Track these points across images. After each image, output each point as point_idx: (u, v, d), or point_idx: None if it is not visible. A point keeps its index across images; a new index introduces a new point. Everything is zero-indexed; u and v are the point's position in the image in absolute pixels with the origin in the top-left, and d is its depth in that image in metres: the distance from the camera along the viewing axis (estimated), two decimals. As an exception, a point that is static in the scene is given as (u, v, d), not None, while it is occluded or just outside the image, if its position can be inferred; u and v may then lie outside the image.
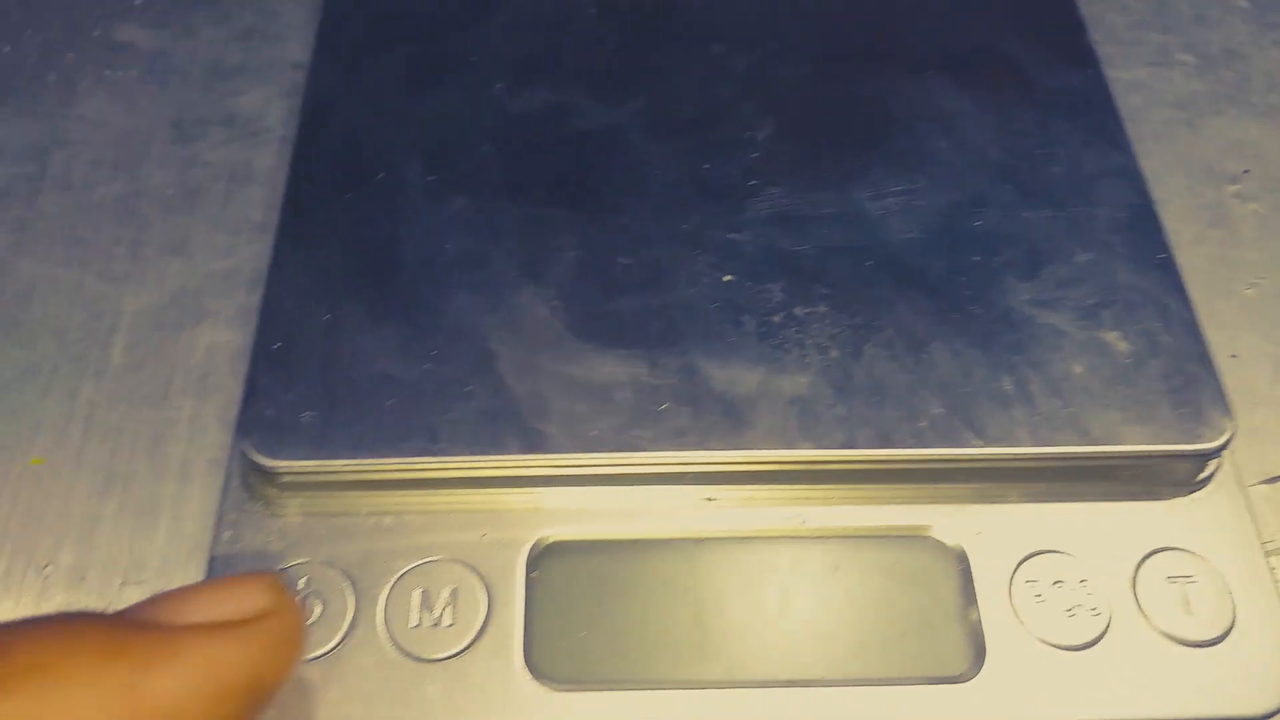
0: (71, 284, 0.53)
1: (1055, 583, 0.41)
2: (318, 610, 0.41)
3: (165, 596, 0.33)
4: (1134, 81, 0.61)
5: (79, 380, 0.50)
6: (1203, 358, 0.44)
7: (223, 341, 0.51)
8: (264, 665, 0.32)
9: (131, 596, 0.44)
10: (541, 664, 0.40)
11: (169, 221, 0.55)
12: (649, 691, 0.40)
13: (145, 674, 0.29)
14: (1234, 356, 0.51)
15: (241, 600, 0.33)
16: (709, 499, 0.43)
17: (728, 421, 0.42)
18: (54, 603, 0.44)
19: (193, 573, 0.44)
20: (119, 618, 0.31)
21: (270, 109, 0.59)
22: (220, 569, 0.41)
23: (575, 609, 0.41)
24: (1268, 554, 0.45)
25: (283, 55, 0.61)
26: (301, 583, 0.41)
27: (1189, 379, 0.43)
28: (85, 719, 0.27)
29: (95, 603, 0.44)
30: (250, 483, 0.43)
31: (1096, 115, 0.51)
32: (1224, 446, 0.42)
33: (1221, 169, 0.58)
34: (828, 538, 0.42)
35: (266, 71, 0.61)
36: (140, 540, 0.46)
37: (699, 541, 0.42)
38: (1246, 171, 0.57)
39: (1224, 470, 0.44)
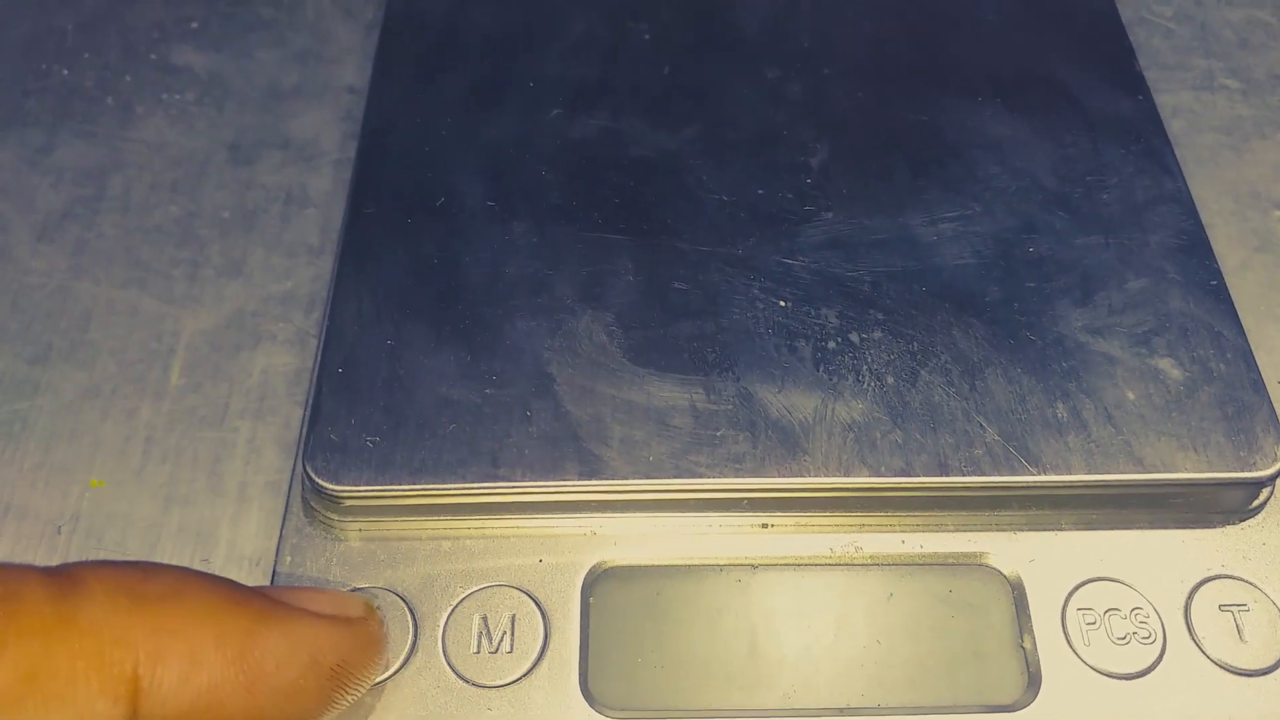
0: (129, 306, 0.53)
1: (1109, 610, 0.41)
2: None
3: (278, 588, 0.38)
4: (1178, 106, 0.61)
5: (138, 401, 0.50)
6: (1256, 385, 0.44)
7: (280, 364, 0.51)
8: (353, 656, 0.36)
9: (194, 617, 0.44)
10: (598, 691, 0.40)
11: (226, 244, 0.56)
12: (705, 719, 0.40)
13: (261, 625, 0.34)
14: (1283, 383, 0.51)
15: (341, 604, 0.37)
16: (765, 525, 0.43)
17: (783, 448, 0.43)
18: (120, 624, 0.44)
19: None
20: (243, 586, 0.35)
21: (325, 132, 0.60)
22: (283, 592, 0.42)
23: (632, 635, 0.41)
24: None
25: (338, 78, 0.62)
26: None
27: (1241, 406, 0.44)
28: (205, 648, 0.32)
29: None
30: (311, 506, 0.43)
31: (1146, 140, 0.52)
32: (1278, 474, 0.42)
33: (1267, 193, 0.58)
34: (882, 565, 0.43)
35: (321, 94, 0.61)
36: (199, 563, 0.46)
37: (754, 568, 0.43)
38: (1293, 196, 0.57)
39: (1277, 497, 0.44)
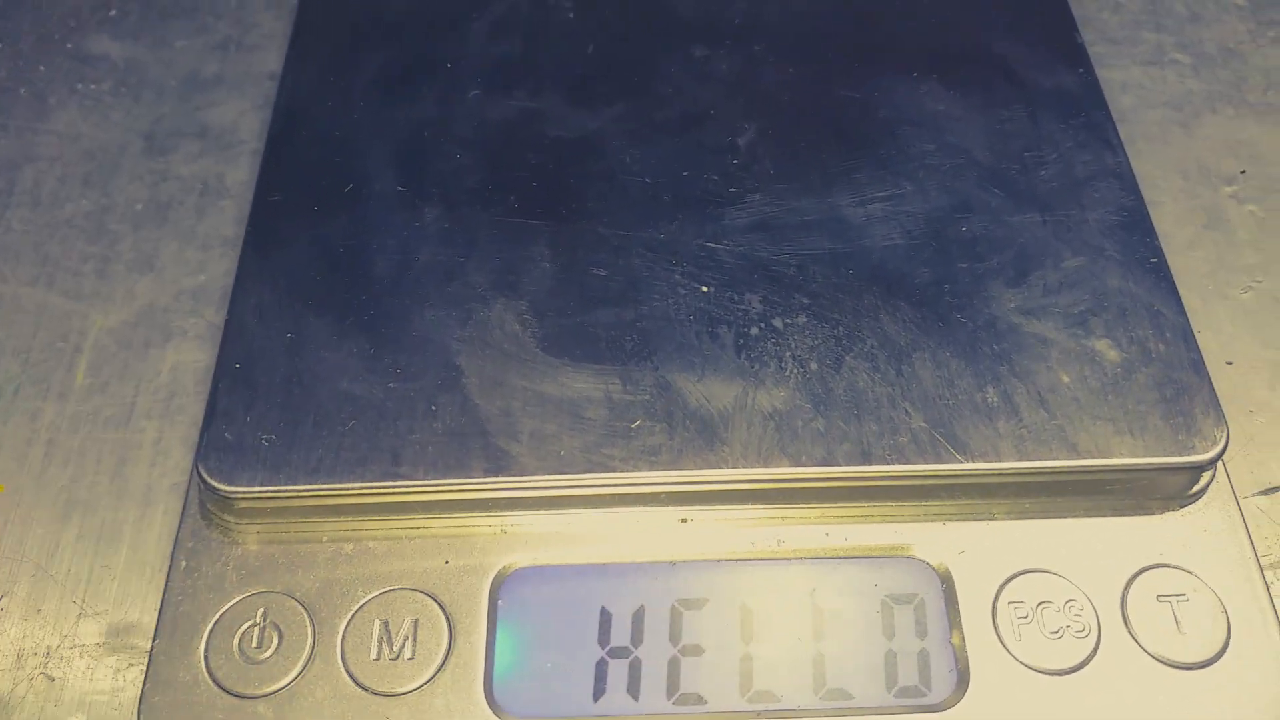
0: (36, 303, 0.51)
1: (1041, 603, 0.39)
2: (274, 642, 0.39)
3: None
4: (1127, 81, 0.59)
5: (41, 402, 0.49)
6: (1196, 366, 0.42)
7: (189, 361, 0.50)
8: None
9: (88, 628, 0.43)
10: (504, 698, 0.38)
11: (138, 237, 0.54)
12: (617, 722, 0.38)
13: None
14: (1229, 363, 0.49)
15: None
16: (683, 520, 0.41)
17: (702, 439, 0.41)
18: (7, 636, 0.42)
19: (152, 602, 0.43)
20: None
21: (245, 121, 0.58)
22: (175, 600, 0.40)
23: (541, 639, 0.39)
24: (1268, 565, 0.43)
25: (260, 66, 0.60)
26: (258, 614, 0.39)
27: (1181, 388, 0.42)
28: None
29: (50, 636, 0.42)
30: (208, 509, 0.41)
31: (1087, 116, 0.50)
32: (1218, 458, 0.40)
33: (1218, 170, 0.56)
34: (806, 559, 0.41)
35: (242, 83, 0.60)
36: (99, 569, 0.44)
37: (672, 565, 0.40)
38: (1243, 172, 0.55)
39: (1218, 483, 0.42)
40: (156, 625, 0.40)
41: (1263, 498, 0.45)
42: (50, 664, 0.42)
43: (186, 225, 0.54)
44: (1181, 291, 0.48)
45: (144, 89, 0.59)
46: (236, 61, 0.60)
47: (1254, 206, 0.54)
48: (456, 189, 0.48)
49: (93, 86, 0.59)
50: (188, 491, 0.43)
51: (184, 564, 0.41)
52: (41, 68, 0.60)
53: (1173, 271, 0.49)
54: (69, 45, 0.61)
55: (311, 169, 0.48)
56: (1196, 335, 0.46)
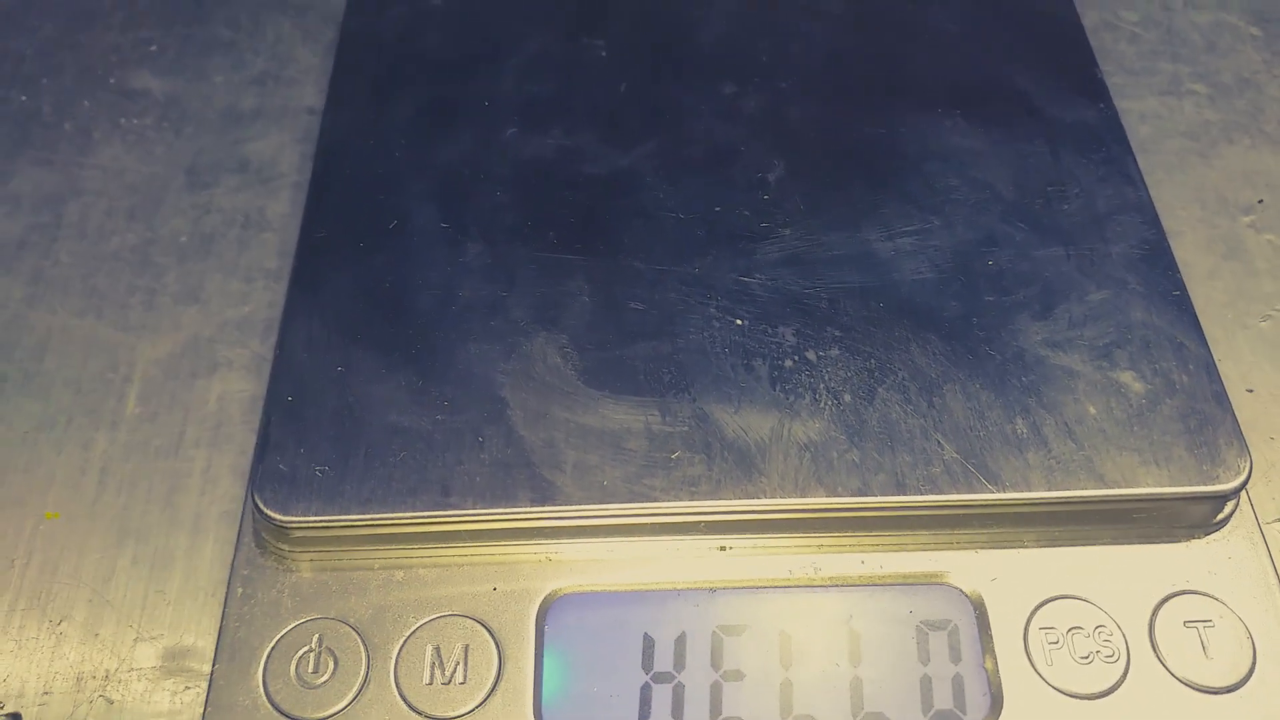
0: (86, 334, 0.53)
1: (1072, 629, 0.41)
2: (330, 667, 0.40)
3: None
4: (1145, 112, 0.60)
5: (93, 432, 0.50)
6: (1219, 397, 0.43)
7: (236, 390, 0.51)
8: None
9: (144, 652, 0.44)
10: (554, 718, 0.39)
11: (183, 269, 0.55)
12: (663, 745, 0.39)
13: None
14: (1250, 391, 0.50)
15: None
16: (722, 548, 0.43)
17: (740, 470, 0.42)
18: (67, 660, 0.43)
19: (206, 627, 0.44)
20: None
21: (284, 154, 0.59)
22: (233, 625, 0.41)
23: (588, 662, 0.41)
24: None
25: (297, 100, 0.61)
26: (314, 639, 0.41)
27: (1205, 419, 0.43)
28: None
29: (108, 660, 0.44)
30: (262, 537, 0.43)
31: (1108, 150, 0.51)
32: (1241, 487, 0.42)
33: (1235, 199, 0.57)
34: (842, 586, 0.42)
35: (280, 117, 0.61)
36: (153, 595, 0.46)
37: (712, 591, 0.42)
38: (1261, 201, 0.57)
39: (1242, 510, 0.43)
40: (215, 650, 0.41)
41: (1285, 524, 0.47)
42: (109, 687, 0.43)
43: (229, 257, 0.55)
44: (1202, 320, 0.50)
45: (185, 123, 0.61)
46: (275, 95, 0.62)
47: (1272, 235, 0.55)
48: (496, 225, 0.49)
49: (135, 121, 0.61)
50: (241, 520, 0.44)
51: (240, 590, 0.42)
52: (85, 103, 0.62)
53: (1194, 300, 0.51)
54: (111, 80, 0.62)
55: (354, 204, 0.50)
56: (1217, 364, 0.48)
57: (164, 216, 0.57)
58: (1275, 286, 0.54)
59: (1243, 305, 0.53)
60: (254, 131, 0.60)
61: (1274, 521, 0.47)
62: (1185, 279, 0.52)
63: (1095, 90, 0.53)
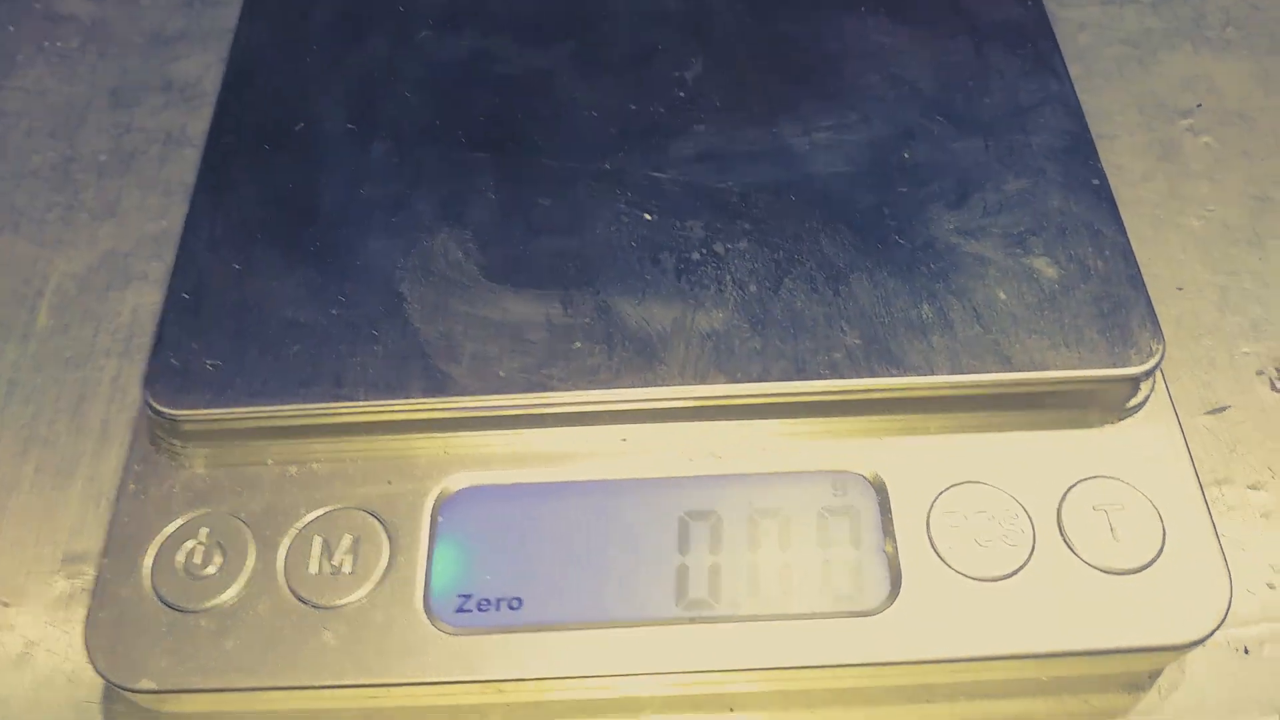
0: (2, 250, 0.52)
1: (976, 513, 0.40)
2: (218, 560, 0.39)
3: None
4: (1085, 20, 0.59)
5: (3, 344, 0.49)
6: (1133, 280, 0.42)
7: (150, 303, 0.50)
8: None
9: (45, 556, 0.43)
10: (442, 610, 0.39)
11: (102, 186, 0.54)
12: (553, 633, 0.38)
13: None
14: (1180, 289, 0.49)
15: None
16: (623, 439, 0.42)
17: (641, 359, 0.41)
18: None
19: (104, 531, 0.43)
20: None
21: (209, 74, 0.59)
22: (122, 521, 0.40)
23: (481, 554, 0.40)
24: (1213, 484, 0.43)
25: (225, 22, 0.61)
26: (202, 533, 0.40)
27: (1118, 302, 0.42)
28: None
29: (6, 565, 0.43)
30: (156, 435, 0.42)
31: (1032, 44, 0.50)
32: (1153, 369, 0.41)
33: (1175, 104, 0.56)
34: (743, 474, 0.41)
35: (207, 38, 0.60)
36: (57, 501, 0.45)
37: (611, 483, 0.41)
38: (1200, 105, 0.56)
39: (1157, 396, 0.42)
40: (104, 545, 0.40)
41: (1210, 417, 0.46)
42: (5, 591, 0.42)
43: (149, 174, 0.55)
44: (1134, 221, 0.49)
45: (110, 45, 0.60)
46: (202, 18, 0.61)
47: (1209, 138, 0.54)
48: (404, 126, 0.48)
49: (60, 44, 0.60)
50: (138, 418, 0.43)
51: (132, 487, 0.41)
52: (10, 27, 0.61)
53: (1126, 201, 0.50)
54: (37, 4, 0.62)
55: (262, 108, 0.49)
56: (1149, 263, 0.47)
57: (85, 136, 0.56)
58: (1210, 188, 0.53)
59: (1176, 206, 0.52)
60: (180, 52, 0.60)
61: (1199, 415, 0.46)
62: (1120, 182, 0.51)
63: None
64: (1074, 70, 0.50)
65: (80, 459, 0.46)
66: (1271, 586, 0.42)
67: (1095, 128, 0.49)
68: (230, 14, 0.59)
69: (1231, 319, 0.48)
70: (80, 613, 0.42)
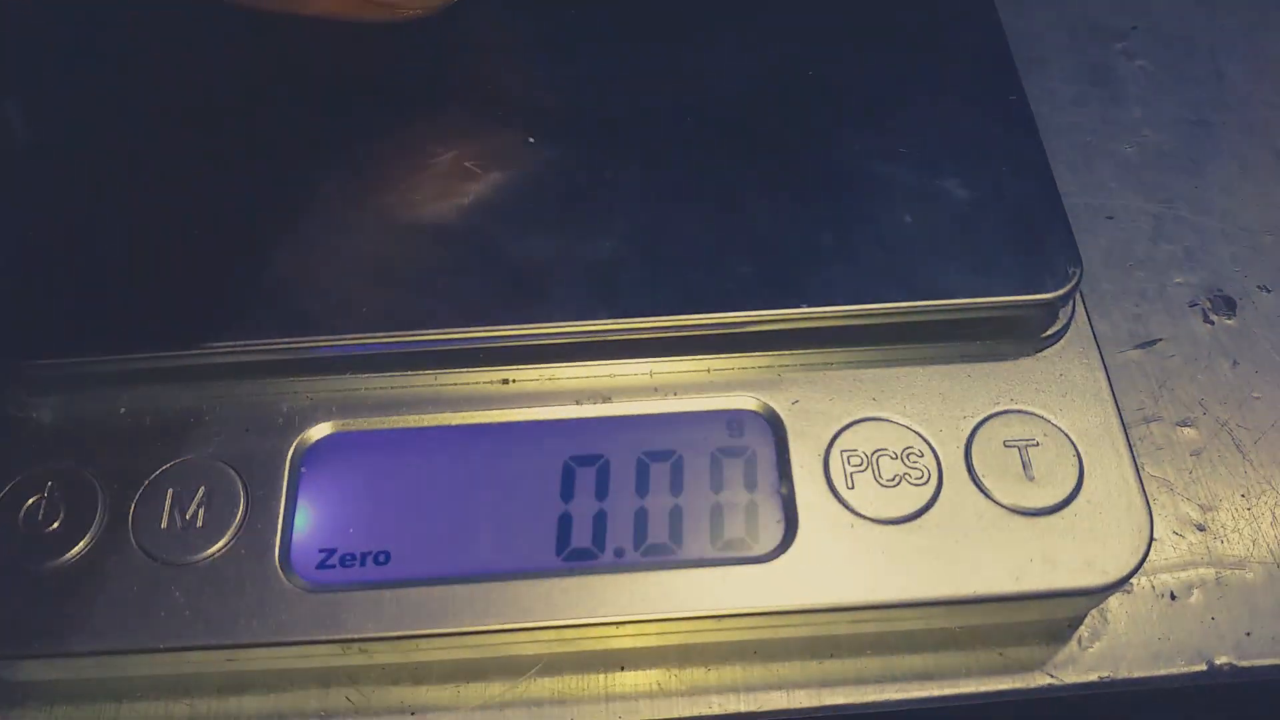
0: None
1: (878, 451, 0.37)
2: (60, 515, 0.36)
3: None
4: (1016, -61, 0.56)
5: None
6: (1050, 201, 0.39)
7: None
8: None
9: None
10: (301, 565, 0.35)
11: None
12: (422, 589, 0.35)
13: None
14: (1110, 218, 0.46)
15: None
16: (505, 381, 0.38)
17: (522, 293, 0.38)
18: None
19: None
20: None
21: None
22: (-38, 475, 0.37)
23: (346, 507, 0.37)
24: (1140, 421, 0.40)
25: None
26: (47, 487, 0.36)
27: (1033, 224, 0.39)
28: None
29: None
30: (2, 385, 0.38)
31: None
32: (1070, 295, 0.38)
33: (1108, 26, 0.53)
34: (633, 415, 0.38)
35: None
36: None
37: (489, 426, 0.38)
38: (1135, 28, 0.52)
39: (1078, 326, 0.39)
40: (-57, 504, 0.37)
41: (1139, 351, 0.43)
42: None
43: None
44: (1064, 147, 0.46)
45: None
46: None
47: (1144, 61, 0.51)
48: (253, 38, 0.45)
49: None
50: (-18, 369, 0.40)
51: (-25, 441, 0.38)
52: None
53: (1057, 128, 0.47)
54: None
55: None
56: (1078, 192, 0.44)
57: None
58: (1144, 113, 0.50)
59: (1108, 131, 0.49)
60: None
61: (1129, 349, 0.43)
62: (1048, 107, 0.48)
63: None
64: (1004, -9, 0.47)
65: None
66: (1201, 528, 0.39)
67: (1025, 51, 0.46)
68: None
69: (1164, 248, 0.45)
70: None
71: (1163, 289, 0.44)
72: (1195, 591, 0.38)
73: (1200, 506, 0.39)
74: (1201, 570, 0.38)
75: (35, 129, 0.43)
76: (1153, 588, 0.38)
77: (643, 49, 0.44)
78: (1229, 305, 0.44)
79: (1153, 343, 0.43)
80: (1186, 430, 0.41)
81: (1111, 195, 0.47)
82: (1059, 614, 0.37)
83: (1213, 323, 0.43)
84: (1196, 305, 0.44)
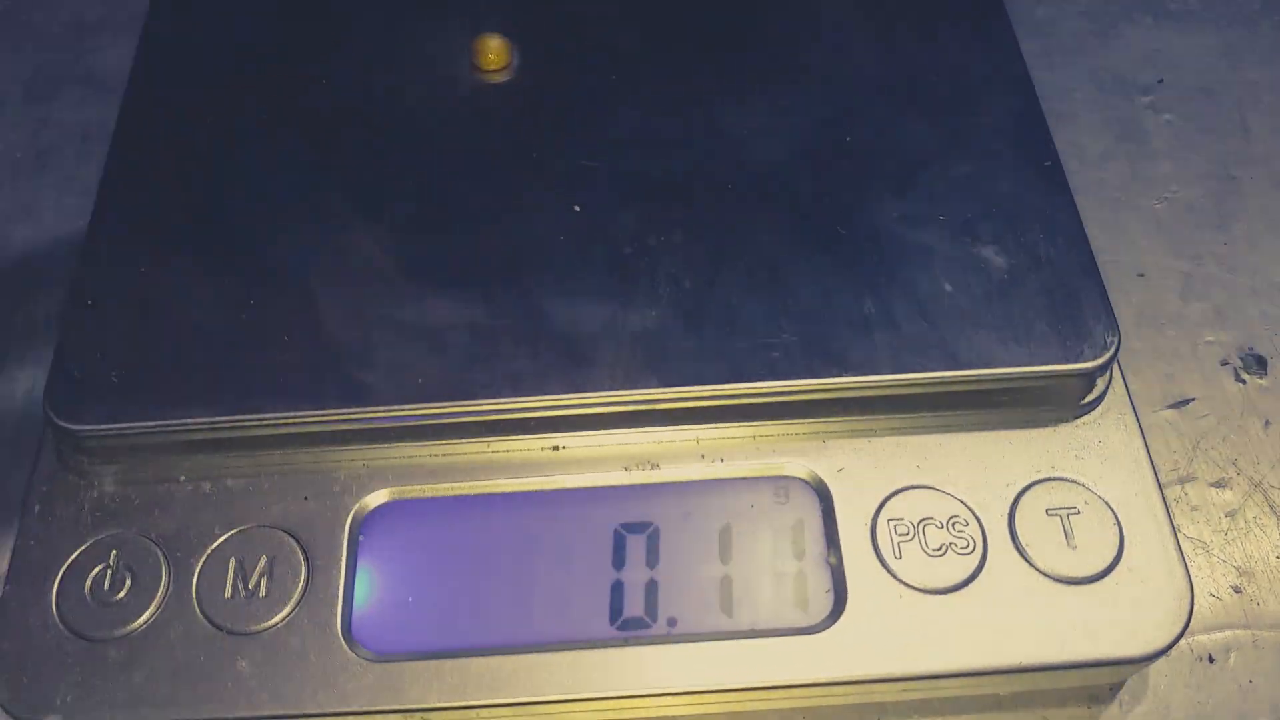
0: (-86, 257, 0.49)
1: (923, 520, 0.38)
2: (126, 584, 0.37)
3: None
4: (1042, -8, 0.57)
5: (-87, 356, 0.47)
6: (1087, 269, 0.40)
7: (66, 309, 0.47)
8: None
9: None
10: (362, 634, 0.36)
11: (17, 186, 0.51)
12: (480, 659, 0.36)
13: None
14: (1141, 276, 0.47)
15: None
16: (555, 448, 0.39)
17: (570, 362, 0.39)
18: None
19: (7, 549, 0.41)
20: None
21: (129, 65, 0.55)
22: (27, 544, 0.38)
23: (404, 574, 0.38)
24: (1175, 482, 0.41)
25: (145, 9, 0.57)
26: (111, 556, 0.37)
27: (1071, 293, 0.40)
28: None
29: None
30: (62, 451, 0.39)
31: (982, 20, 0.47)
32: (1108, 364, 0.39)
33: (1135, 80, 0.54)
34: (680, 482, 0.39)
35: (127, 27, 0.57)
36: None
37: (541, 494, 0.39)
38: (1161, 81, 0.53)
39: (1115, 392, 0.40)
40: (8, 571, 0.38)
41: (1172, 411, 0.44)
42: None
43: (66, 172, 0.52)
44: (1093, 204, 0.47)
45: (26, 36, 0.57)
46: (120, 6, 0.58)
47: (1170, 116, 0.52)
48: (316, 118, 0.46)
49: (-25, 35, 0.57)
50: (43, 434, 0.40)
51: (37, 508, 0.39)
52: (-78, 19, 0.58)
53: (1086, 184, 0.48)
54: (-50, -5, 0.59)
55: (172, 106, 0.47)
56: (1109, 249, 0.45)
57: None
58: (1171, 168, 0.51)
59: (1137, 188, 0.50)
60: (99, 42, 0.57)
61: (1161, 408, 0.44)
62: (1078, 162, 0.49)
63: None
64: (1031, 45, 0.48)
65: (-10, 473, 0.43)
66: (1237, 590, 0.40)
67: (1053, 106, 0.47)
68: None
69: (1195, 306, 0.46)
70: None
71: (1194, 347, 0.45)
72: (1233, 654, 0.39)
73: (1236, 569, 0.40)
74: (1238, 632, 0.39)
75: (103, 202, 0.43)
76: (1190, 650, 0.39)
77: (687, 118, 0.45)
78: (1260, 364, 0.44)
79: (1185, 402, 0.44)
80: (1221, 490, 0.42)
81: (1141, 252, 0.48)
82: (1101, 679, 0.38)
83: (1244, 381, 0.44)
84: (1228, 364, 0.45)
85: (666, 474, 0.39)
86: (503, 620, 0.37)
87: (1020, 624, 0.36)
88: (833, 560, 0.37)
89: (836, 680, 0.36)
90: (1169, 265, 0.47)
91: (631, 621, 0.37)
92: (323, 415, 0.39)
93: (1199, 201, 0.49)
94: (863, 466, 0.39)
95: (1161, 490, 0.38)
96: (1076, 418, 0.40)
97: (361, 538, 0.38)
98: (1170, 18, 0.56)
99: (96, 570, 0.38)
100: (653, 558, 0.38)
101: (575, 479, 0.39)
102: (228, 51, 0.48)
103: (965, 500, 0.38)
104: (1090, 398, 0.40)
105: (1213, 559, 0.40)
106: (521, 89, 0.46)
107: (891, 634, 0.36)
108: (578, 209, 0.42)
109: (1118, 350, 0.39)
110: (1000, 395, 0.39)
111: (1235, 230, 0.48)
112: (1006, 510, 0.38)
